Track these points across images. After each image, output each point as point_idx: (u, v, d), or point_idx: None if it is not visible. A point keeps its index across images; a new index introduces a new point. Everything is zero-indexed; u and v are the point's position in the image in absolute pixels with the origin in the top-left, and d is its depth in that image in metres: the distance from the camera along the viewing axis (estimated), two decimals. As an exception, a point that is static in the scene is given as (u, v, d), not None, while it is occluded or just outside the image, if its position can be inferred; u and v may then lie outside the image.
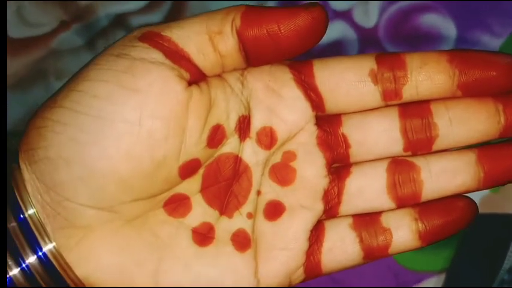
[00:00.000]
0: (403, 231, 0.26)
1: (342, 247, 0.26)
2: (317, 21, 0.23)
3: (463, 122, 0.26)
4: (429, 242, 0.26)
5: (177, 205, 0.25)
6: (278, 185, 0.26)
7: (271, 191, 0.26)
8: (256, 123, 0.25)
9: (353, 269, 0.26)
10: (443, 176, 0.26)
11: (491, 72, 0.25)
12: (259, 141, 0.26)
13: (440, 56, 0.25)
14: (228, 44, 0.24)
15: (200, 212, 0.25)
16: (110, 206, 0.23)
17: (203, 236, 0.25)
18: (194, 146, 0.24)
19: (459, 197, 0.26)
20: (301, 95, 0.26)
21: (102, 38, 0.44)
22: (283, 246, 0.25)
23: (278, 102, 0.26)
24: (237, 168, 0.26)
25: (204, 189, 0.25)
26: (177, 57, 0.23)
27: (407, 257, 0.40)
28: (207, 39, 0.24)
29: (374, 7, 0.44)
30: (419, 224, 0.26)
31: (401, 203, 0.26)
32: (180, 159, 0.24)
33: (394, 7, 0.44)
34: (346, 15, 0.44)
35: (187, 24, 0.24)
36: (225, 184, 0.25)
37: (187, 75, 0.24)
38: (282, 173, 0.26)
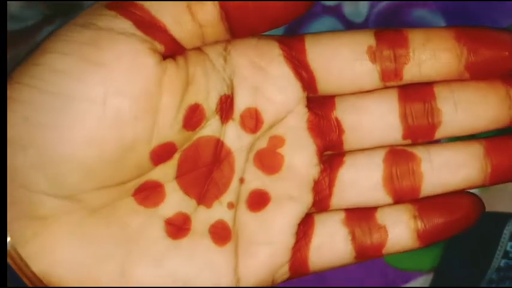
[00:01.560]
0: (399, 230, 0.23)
1: (331, 244, 0.24)
2: None
3: (470, 107, 0.23)
4: (428, 242, 0.24)
5: (148, 193, 0.22)
6: (263, 173, 0.24)
7: (256, 179, 0.24)
8: (240, 104, 0.23)
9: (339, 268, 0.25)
10: (446, 169, 0.24)
11: (503, 52, 0.22)
12: (243, 124, 0.23)
13: (446, 32, 0.23)
14: (209, 12, 0.21)
15: (175, 201, 0.23)
16: (71, 195, 0.21)
17: (177, 227, 0.23)
18: (168, 128, 0.21)
19: (463, 193, 0.24)
20: (291, 73, 0.23)
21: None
22: (266, 240, 0.23)
23: (265, 81, 0.23)
24: (218, 153, 0.23)
25: (180, 176, 0.23)
26: (150, 27, 0.21)
27: (395, 256, 0.40)
28: (184, 7, 0.21)
29: (364, 2, 0.44)
30: (419, 223, 0.24)
31: (398, 198, 0.24)
32: (152, 143, 0.21)
33: (384, 2, 0.44)
34: (335, 10, 0.44)
35: None
36: (204, 170, 0.23)
37: (161, 48, 0.21)
38: (268, 159, 0.24)
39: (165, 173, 0.23)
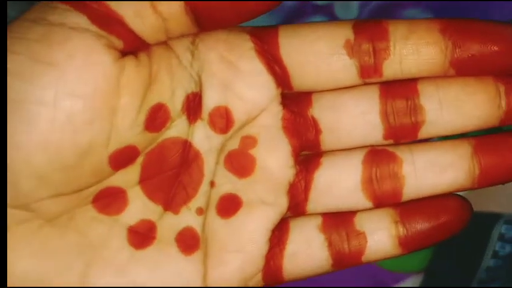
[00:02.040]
0: (379, 236, 0.22)
1: (307, 251, 0.22)
2: None
3: (456, 105, 0.22)
4: (411, 249, 0.22)
5: (109, 200, 0.21)
6: (235, 176, 0.22)
7: (227, 182, 0.22)
8: (209, 102, 0.21)
9: None
10: (430, 171, 0.22)
11: (493, 47, 0.21)
12: (212, 124, 0.22)
13: (431, 24, 0.21)
14: (171, 4, 0.19)
15: (139, 207, 0.21)
16: (24, 204, 0.19)
17: (142, 235, 0.21)
18: (129, 130, 0.20)
19: (450, 196, 0.22)
20: (263, 69, 0.22)
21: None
22: (238, 248, 0.22)
23: (235, 77, 0.22)
24: (186, 156, 0.22)
25: (143, 181, 0.21)
26: (107, 21, 0.19)
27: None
28: (148, 9, 0.19)
29: (355, 2, 0.44)
30: (400, 228, 0.22)
31: (378, 202, 0.22)
32: (111, 147, 0.20)
33: (375, 2, 0.44)
34: (327, 10, 0.44)
35: None
36: (170, 174, 0.22)
37: (119, 44, 0.20)
38: (240, 161, 0.22)
39: (127, 178, 0.21)
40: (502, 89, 0.21)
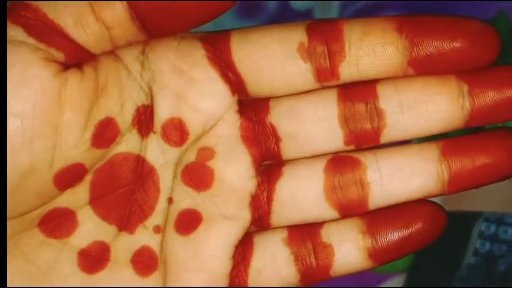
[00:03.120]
0: (347, 248, 0.21)
1: (273, 267, 0.21)
2: None
3: (417, 108, 0.20)
4: (383, 261, 0.21)
5: (57, 222, 0.20)
6: (193, 190, 0.21)
7: (185, 197, 0.21)
8: (161, 114, 0.20)
9: None
10: (396, 177, 0.21)
11: (452, 43, 0.19)
12: (166, 137, 0.21)
13: (387, 23, 0.20)
14: (114, 10, 0.18)
15: (90, 228, 0.20)
16: None
17: (94, 258, 0.20)
18: (74, 148, 0.19)
19: (422, 202, 0.21)
20: (217, 76, 0.20)
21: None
22: (198, 266, 0.20)
23: (188, 87, 0.20)
24: (140, 171, 0.21)
25: (94, 200, 0.20)
26: (45, 32, 0.18)
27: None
28: (85, 6, 0.18)
29: (334, 7, 0.44)
30: (368, 239, 0.20)
31: (345, 211, 0.21)
32: (55, 166, 0.19)
33: (354, 7, 0.44)
34: (306, 15, 0.44)
35: None
36: (123, 192, 0.21)
37: (60, 56, 0.18)
38: (198, 174, 0.21)
39: (76, 198, 0.20)
40: (465, 88, 0.20)
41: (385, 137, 0.21)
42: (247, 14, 0.45)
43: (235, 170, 0.21)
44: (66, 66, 0.19)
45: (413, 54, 0.20)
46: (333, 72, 0.20)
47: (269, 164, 0.22)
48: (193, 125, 0.21)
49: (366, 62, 0.20)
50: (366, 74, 0.20)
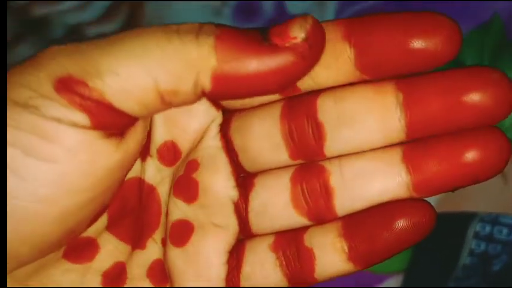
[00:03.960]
0: (326, 252, 0.20)
1: (262, 273, 0.21)
2: (303, 62, 0.17)
3: (352, 119, 0.20)
4: (365, 263, 0.20)
5: (80, 250, 0.21)
6: (183, 202, 0.21)
7: (177, 209, 0.21)
8: (157, 139, 0.21)
9: None
10: (358, 180, 0.20)
11: (405, 45, 0.18)
12: (161, 159, 0.22)
13: (335, 30, 0.19)
14: (186, 99, 0.18)
15: (110, 250, 0.21)
16: None
17: (114, 278, 0.21)
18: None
19: (403, 201, 0.20)
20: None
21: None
22: (196, 275, 0.21)
23: (176, 109, 0.20)
24: (143, 192, 0.22)
25: (111, 226, 0.21)
26: (109, 120, 0.18)
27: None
28: (155, 96, 0.18)
29: (330, 10, 0.44)
30: (345, 242, 0.20)
31: (315, 218, 0.21)
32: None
33: (350, 10, 0.44)
34: (302, 19, 0.44)
35: (125, 72, 0.17)
36: (133, 213, 0.22)
37: (119, 132, 0.19)
38: (186, 187, 0.21)
39: (96, 227, 0.21)
40: (400, 97, 0.19)
41: (330, 150, 0.20)
42: (244, 18, 0.45)
43: (218, 180, 0.21)
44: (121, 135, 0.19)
45: (361, 61, 0.19)
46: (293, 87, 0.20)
47: (245, 175, 0.22)
48: (184, 145, 0.21)
49: (321, 76, 0.20)
50: (321, 85, 0.20)
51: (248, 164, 0.21)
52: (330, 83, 0.20)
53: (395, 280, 0.40)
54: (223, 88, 0.18)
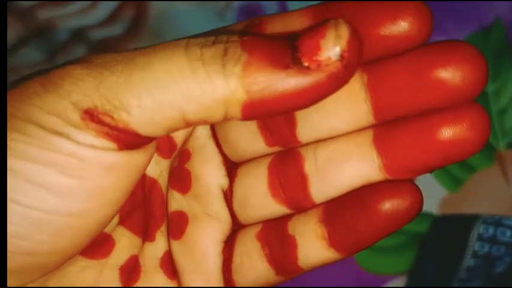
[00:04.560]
0: (307, 239, 0.20)
1: (249, 262, 0.20)
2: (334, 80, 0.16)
3: (321, 104, 0.18)
4: (347, 250, 0.19)
5: (97, 246, 0.21)
6: (178, 193, 0.21)
7: (174, 201, 0.21)
8: None
9: (315, 272, 0.23)
10: (331, 164, 0.19)
11: (367, 35, 0.17)
12: (159, 151, 0.21)
13: (302, 20, 0.19)
14: (213, 124, 0.18)
15: (125, 244, 0.21)
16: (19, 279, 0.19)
17: (130, 272, 0.21)
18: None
19: (385, 183, 0.19)
20: None
21: (63, 53, 0.44)
22: (193, 267, 0.21)
23: None
24: (145, 185, 0.22)
25: (123, 220, 0.21)
26: (136, 144, 0.18)
27: (369, 261, 0.40)
28: (182, 125, 0.17)
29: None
30: (324, 228, 0.19)
31: (293, 206, 0.20)
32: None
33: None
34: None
35: (152, 104, 0.17)
36: (141, 206, 0.22)
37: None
38: (179, 177, 0.21)
39: (110, 223, 0.20)
40: (365, 79, 0.19)
41: (302, 136, 0.20)
42: (248, 19, 0.46)
43: (207, 169, 0.21)
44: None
45: None
46: None
47: (232, 165, 0.22)
48: (179, 136, 0.21)
49: None
50: None
51: (230, 153, 0.21)
52: None
53: (399, 281, 0.40)
54: (254, 114, 0.17)
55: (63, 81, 0.17)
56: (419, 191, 0.19)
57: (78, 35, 0.44)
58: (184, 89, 0.17)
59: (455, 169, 0.40)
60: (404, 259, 0.40)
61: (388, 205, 0.19)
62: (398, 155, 0.19)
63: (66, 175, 0.17)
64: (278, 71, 0.16)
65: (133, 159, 0.18)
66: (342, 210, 0.19)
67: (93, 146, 0.17)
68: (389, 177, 0.19)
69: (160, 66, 0.17)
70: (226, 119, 0.17)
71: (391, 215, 0.19)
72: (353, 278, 0.40)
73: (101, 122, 0.17)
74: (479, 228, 0.39)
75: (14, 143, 0.17)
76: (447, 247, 0.39)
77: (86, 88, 0.17)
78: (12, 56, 0.44)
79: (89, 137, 0.17)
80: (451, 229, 0.40)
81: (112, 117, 0.17)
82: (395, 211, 0.19)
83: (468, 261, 0.38)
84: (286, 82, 0.16)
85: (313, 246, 0.20)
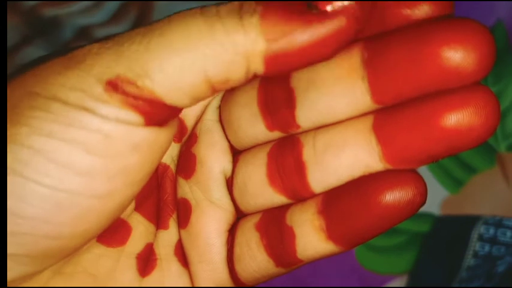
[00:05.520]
0: (305, 230, 0.19)
1: (249, 253, 0.20)
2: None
3: (318, 83, 0.18)
4: (347, 243, 0.18)
5: (114, 232, 0.20)
6: (182, 179, 0.21)
7: (179, 188, 0.21)
8: None
9: (317, 272, 0.21)
10: (329, 151, 0.18)
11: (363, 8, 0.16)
12: None
13: None
14: (237, 85, 0.17)
15: (141, 231, 0.21)
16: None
17: (147, 260, 0.20)
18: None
19: (387, 173, 0.18)
20: None
21: (67, 52, 0.44)
22: (199, 257, 0.20)
23: None
24: (157, 171, 0.21)
25: (138, 207, 0.21)
26: (161, 116, 0.17)
27: (371, 260, 0.41)
28: (206, 87, 0.17)
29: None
30: (323, 219, 0.18)
31: (292, 195, 0.19)
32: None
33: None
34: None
35: (174, 68, 0.16)
36: (154, 193, 0.21)
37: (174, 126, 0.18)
38: (184, 162, 0.21)
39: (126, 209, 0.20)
40: (365, 56, 0.17)
41: (300, 118, 0.19)
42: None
43: (212, 154, 0.20)
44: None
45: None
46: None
47: (236, 151, 0.21)
48: (189, 119, 0.21)
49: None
50: None
51: (232, 137, 0.20)
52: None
53: (400, 281, 0.40)
54: (276, 67, 0.16)
55: (84, 57, 0.17)
56: (423, 181, 0.17)
57: (82, 34, 0.44)
58: (204, 47, 0.16)
59: (456, 171, 0.41)
60: (405, 259, 0.40)
61: (389, 196, 0.17)
62: (398, 142, 0.17)
63: (91, 153, 0.17)
64: (295, 19, 0.16)
65: (157, 138, 0.17)
66: (340, 201, 0.18)
67: (118, 120, 0.16)
68: (391, 167, 0.18)
69: (178, 29, 0.16)
70: (250, 75, 0.17)
71: (392, 207, 0.17)
72: (355, 278, 0.40)
73: (124, 93, 0.16)
74: (480, 229, 0.39)
75: (38, 121, 0.16)
76: (448, 247, 0.39)
77: (107, 61, 0.16)
78: (16, 54, 0.44)
79: (114, 109, 0.16)
80: (452, 229, 0.40)
81: (136, 85, 0.16)
82: (396, 203, 0.17)
83: (469, 261, 0.39)
84: (306, 31, 0.16)
85: (311, 238, 0.19)
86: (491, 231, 0.39)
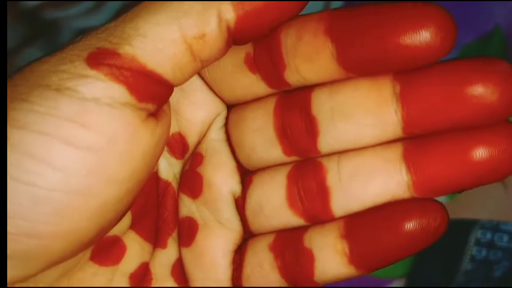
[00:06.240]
0: (326, 254, 0.19)
1: (260, 273, 0.20)
2: None
3: (345, 113, 0.18)
4: (368, 267, 0.19)
5: (108, 251, 0.20)
6: (189, 198, 0.21)
7: (184, 206, 0.21)
8: None
9: None
10: (355, 179, 0.18)
11: (388, 41, 0.17)
12: (171, 151, 0.21)
13: (318, 24, 0.18)
14: (215, 46, 0.17)
15: (136, 250, 0.20)
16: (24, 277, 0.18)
17: (141, 280, 0.20)
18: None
19: (411, 201, 0.18)
20: (205, 86, 0.20)
21: (67, 53, 0.44)
22: (203, 276, 0.20)
23: (182, 99, 0.20)
24: (158, 188, 0.21)
25: (134, 224, 0.20)
26: (146, 88, 0.17)
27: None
28: (185, 49, 0.17)
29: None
30: (346, 244, 0.18)
31: (311, 219, 0.19)
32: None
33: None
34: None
35: (150, 29, 0.16)
36: (153, 211, 0.21)
37: (153, 108, 0.18)
38: (190, 181, 0.21)
39: (121, 225, 0.20)
40: (397, 89, 0.18)
41: (322, 146, 0.19)
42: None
43: (220, 174, 0.20)
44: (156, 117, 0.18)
45: (346, 58, 0.18)
46: (280, 80, 0.19)
47: (246, 171, 0.21)
48: (191, 137, 0.21)
49: (304, 69, 0.18)
50: (309, 80, 0.19)
51: (244, 160, 0.20)
52: (313, 78, 0.19)
53: (398, 284, 0.40)
54: (247, 17, 0.17)
55: (67, 45, 0.17)
56: (446, 211, 0.18)
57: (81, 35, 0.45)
58: (176, 4, 0.17)
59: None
60: (403, 263, 0.40)
61: (415, 224, 0.18)
62: (429, 173, 0.18)
63: (66, 144, 0.16)
64: None
65: (136, 131, 0.17)
66: (365, 227, 0.18)
67: (101, 99, 0.16)
68: (416, 195, 0.18)
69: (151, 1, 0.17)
70: (222, 31, 0.17)
71: (417, 235, 0.18)
72: (353, 281, 0.40)
73: (107, 64, 0.16)
74: (477, 233, 0.39)
75: (14, 112, 0.16)
76: (445, 251, 0.39)
77: (87, 40, 0.17)
78: (17, 56, 0.44)
79: (97, 84, 0.16)
80: (449, 233, 0.40)
81: (117, 53, 0.16)
82: (422, 231, 0.18)
83: (466, 265, 0.39)
84: None
85: (332, 262, 0.19)
86: (488, 235, 0.39)
